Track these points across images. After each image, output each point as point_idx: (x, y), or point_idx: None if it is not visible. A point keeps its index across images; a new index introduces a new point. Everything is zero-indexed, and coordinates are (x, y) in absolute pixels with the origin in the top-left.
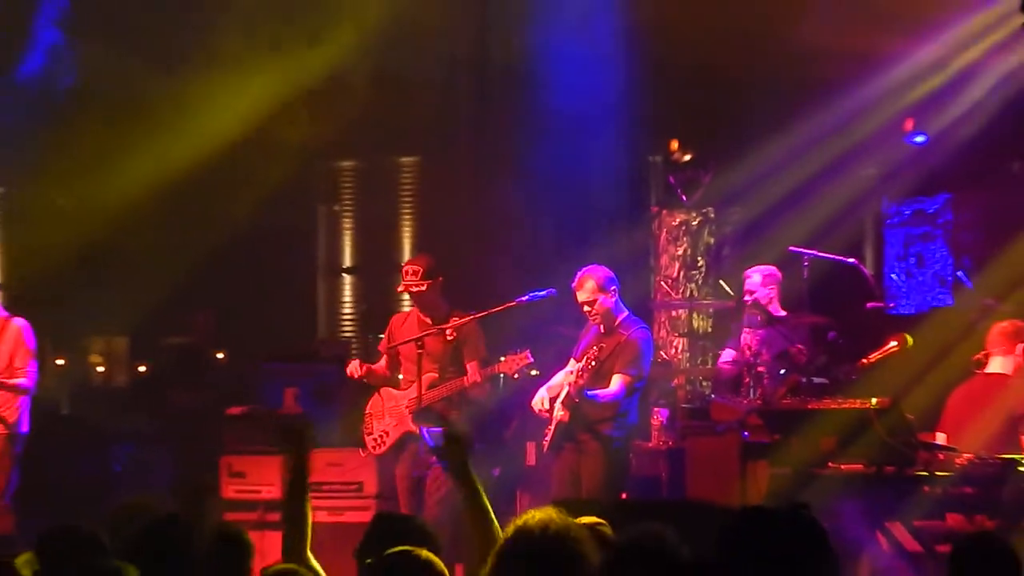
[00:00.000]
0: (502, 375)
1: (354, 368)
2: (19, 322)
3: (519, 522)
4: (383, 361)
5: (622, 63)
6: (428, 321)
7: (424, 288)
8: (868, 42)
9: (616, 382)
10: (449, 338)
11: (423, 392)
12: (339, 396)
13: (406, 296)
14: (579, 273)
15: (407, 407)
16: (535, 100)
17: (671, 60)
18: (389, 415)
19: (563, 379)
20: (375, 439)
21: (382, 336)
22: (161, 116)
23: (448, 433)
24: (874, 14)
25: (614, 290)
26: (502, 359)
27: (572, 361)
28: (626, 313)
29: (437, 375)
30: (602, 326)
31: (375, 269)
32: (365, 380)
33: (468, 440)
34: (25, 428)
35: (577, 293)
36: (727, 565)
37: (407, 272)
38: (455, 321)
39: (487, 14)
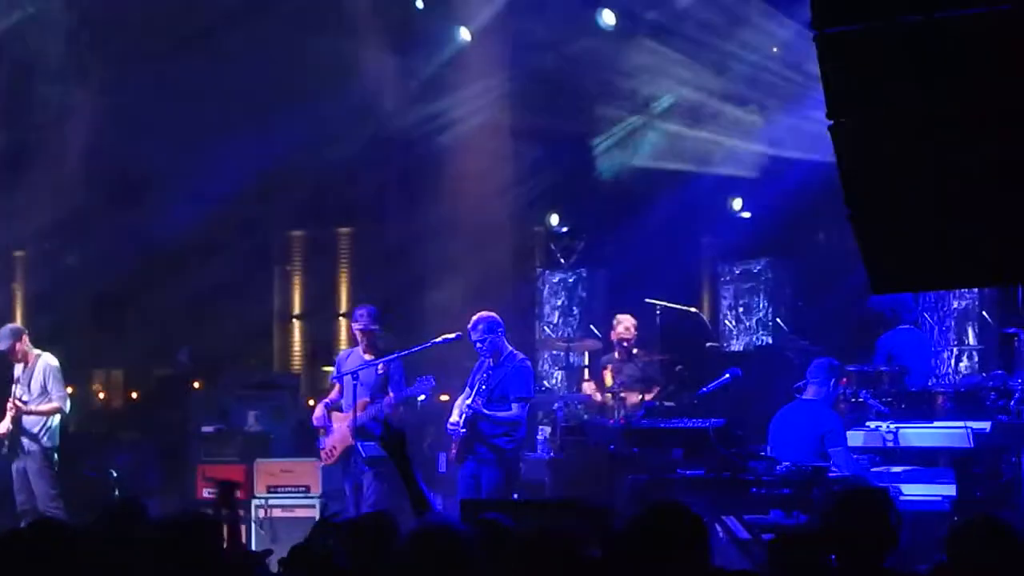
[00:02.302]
0: (418, 400)
1: (318, 415)
2: (49, 357)
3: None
4: (336, 390)
5: (514, 153)
6: (369, 357)
7: (375, 329)
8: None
9: (516, 408)
10: (380, 372)
11: (358, 414)
12: (289, 417)
13: (343, 336)
14: (474, 318)
15: (348, 426)
16: (447, 183)
17: (554, 158)
18: (336, 433)
19: (461, 403)
20: (326, 452)
21: (326, 368)
22: (152, 191)
23: (388, 429)
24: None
25: (500, 331)
26: (413, 384)
27: (467, 389)
28: (510, 349)
29: (369, 399)
30: (491, 360)
31: (318, 316)
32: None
33: (402, 434)
34: (56, 442)
35: (471, 334)
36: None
37: (362, 315)
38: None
39: (412, 114)
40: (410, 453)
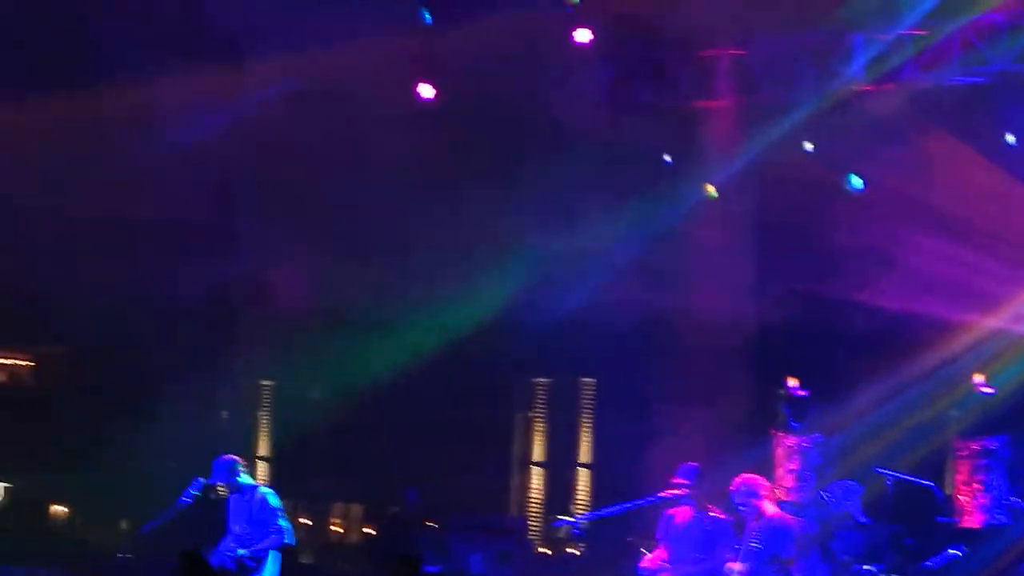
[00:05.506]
0: None
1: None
2: (266, 490)
3: None
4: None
5: (755, 311)
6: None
7: (691, 486)
8: (946, 310)
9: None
10: (708, 529)
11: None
12: (515, 562)
13: (581, 485)
14: (736, 481)
15: None
16: (683, 343)
17: (793, 320)
18: None
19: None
20: None
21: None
22: (390, 329)
23: None
24: (950, 291)
25: (763, 495)
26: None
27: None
28: (774, 509)
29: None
30: (755, 520)
31: (558, 465)
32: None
33: None
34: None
35: (734, 496)
36: None
37: (683, 473)
38: None
39: (643, 281)
40: None
